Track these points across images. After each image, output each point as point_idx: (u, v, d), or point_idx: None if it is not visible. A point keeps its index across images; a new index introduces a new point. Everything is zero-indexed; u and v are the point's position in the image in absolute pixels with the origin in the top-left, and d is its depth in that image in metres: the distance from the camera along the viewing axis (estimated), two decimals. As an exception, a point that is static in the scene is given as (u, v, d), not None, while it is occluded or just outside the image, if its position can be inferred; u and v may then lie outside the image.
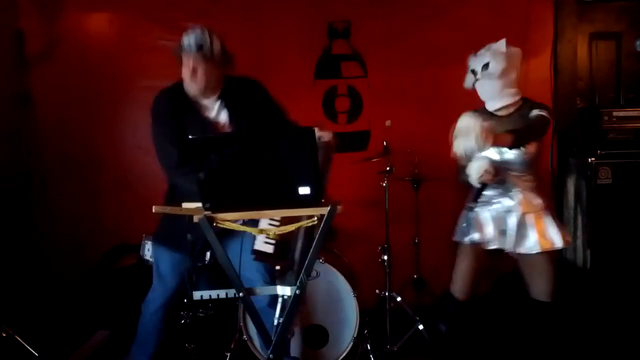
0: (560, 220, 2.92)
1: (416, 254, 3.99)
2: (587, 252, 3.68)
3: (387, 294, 3.61)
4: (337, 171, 4.05)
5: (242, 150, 2.21)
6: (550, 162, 4.29)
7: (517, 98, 2.92)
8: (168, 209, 2.22)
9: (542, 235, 2.87)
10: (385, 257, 3.65)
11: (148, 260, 3.53)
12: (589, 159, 3.65)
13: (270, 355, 2.32)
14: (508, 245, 2.90)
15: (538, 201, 2.92)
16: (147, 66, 4.16)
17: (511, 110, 2.94)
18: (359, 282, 3.71)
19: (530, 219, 2.90)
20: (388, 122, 3.65)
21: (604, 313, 3.39)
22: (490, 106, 2.97)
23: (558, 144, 4.30)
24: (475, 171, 2.80)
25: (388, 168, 3.61)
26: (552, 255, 2.94)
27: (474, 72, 2.96)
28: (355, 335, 3.39)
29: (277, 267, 2.73)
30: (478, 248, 2.98)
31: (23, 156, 4.15)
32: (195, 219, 2.18)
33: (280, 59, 4.26)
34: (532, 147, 2.87)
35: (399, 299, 3.67)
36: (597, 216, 3.62)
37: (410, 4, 4.32)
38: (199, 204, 2.23)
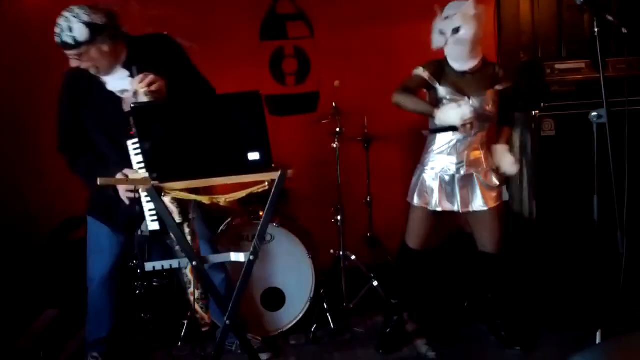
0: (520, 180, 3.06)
1: (369, 213, 4.04)
2: (533, 203, 3.79)
3: (341, 253, 3.65)
4: (287, 134, 4.07)
5: (188, 118, 2.17)
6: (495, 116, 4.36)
7: (481, 57, 3.00)
8: (113, 180, 2.17)
9: (487, 193, 3.04)
10: (339, 217, 3.68)
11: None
12: (533, 112, 3.72)
13: (227, 321, 2.34)
14: (457, 207, 3.04)
15: (484, 160, 3.06)
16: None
17: (477, 67, 3.01)
18: (314, 243, 3.74)
19: (476, 178, 3.04)
20: (337, 83, 3.63)
21: (550, 261, 3.52)
22: (458, 67, 3.00)
23: (502, 97, 4.36)
24: (459, 117, 2.78)
25: (338, 129, 3.61)
26: (499, 209, 3.08)
27: (442, 33, 2.94)
28: (311, 296, 3.44)
29: None
30: (428, 209, 3.08)
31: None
32: (143, 189, 2.14)
33: (224, 20, 4.16)
34: (494, 107, 3.04)
35: (353, 257, 3.72)
36: (542, 168, 3.71)
37: (356, -40, 4.26)
38: (145, 174, 2.19)
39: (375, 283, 3.65)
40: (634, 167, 2.59)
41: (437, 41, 2.97)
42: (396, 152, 4.17)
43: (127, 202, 2.52)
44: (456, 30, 2.88)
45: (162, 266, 2.37)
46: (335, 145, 3.63)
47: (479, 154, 3.07)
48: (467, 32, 2.86)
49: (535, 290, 3.46)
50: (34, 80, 3.99)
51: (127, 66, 2.59)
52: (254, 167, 2.18)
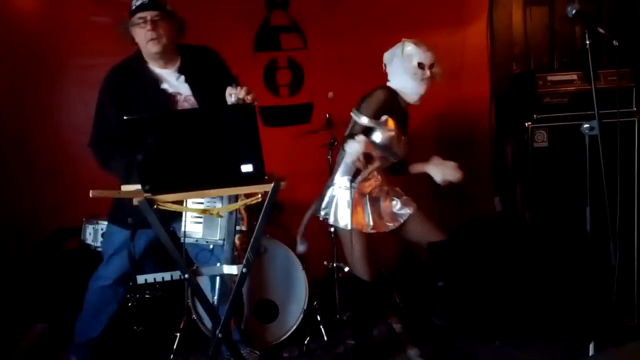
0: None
1: (362, 224, 4.02)
2: (526, 214, 3.80)
3: (335, 265, 3.64)
4: (281, 145, 4.06)
5: (181, 129, 2.17)
6: (488, 127, 4.39)
7: None
8: (106, 193, 2.16)
9: (403, 200, 3.10)
10: (332, 229, 3.66)
11: (90, 245, 3.45)
12: (526, 123, 3.73)
13: (219, 335, 2.32)
14: (390, 226, 3.05)
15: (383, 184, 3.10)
16: (79, 44, 4.01)
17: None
18: (308, 255, 3.72)
19: (389, 196, 3.09)
20: (330, 94, 3.63)
21: (543, 272, 3.52)
22: (413, 101, 3.05)
23: (495, 108, 4.39)
24: (352, 153, 2.74)
25: (332, 140, 3.61)
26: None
27: (421, 65, 2.95)
28: (305, 308, 3.42)
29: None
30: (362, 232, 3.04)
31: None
32: (135, 201, 2.13)
33: (218, 31, 4.15)
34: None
35: (346, 269, 3.70)
36: (534, 179, 3.73)
37: (348, -26, 4.28)
38: (139, 186, 2.18)
39: (369, 294, 3.64)
40: (626, 179, 2.61)
41: (411, 71, 2.95)
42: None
43: None
44: (431, 66, 2.96)
45: (154, 279, 2.35)
46: (328, 157, 3.62)
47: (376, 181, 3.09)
48: (439, 70, 2.99)
49: (528, 301, 3.46)
50: (26, 86, 3.99)
51: (180, 71, 2.74)
52: (247, 179, 2.17)
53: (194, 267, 2.48)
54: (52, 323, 3.47)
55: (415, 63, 2.95)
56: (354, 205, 2.96)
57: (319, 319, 3.52)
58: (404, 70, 2.97)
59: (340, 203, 3.03)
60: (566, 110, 3.71)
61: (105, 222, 3.13)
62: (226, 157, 2.17)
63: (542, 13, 4.43)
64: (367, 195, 3.03)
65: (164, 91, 2.73)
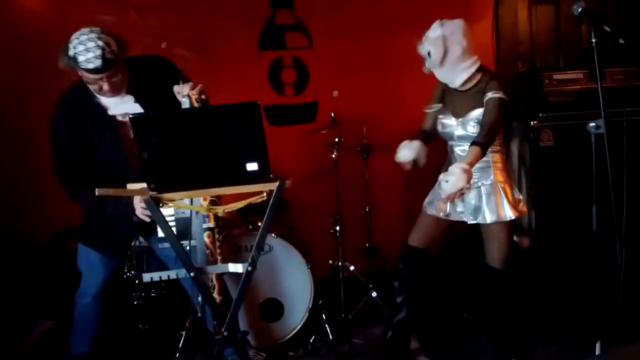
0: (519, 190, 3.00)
1: (367, 223, 4.03)
2: (532, 213, 3.79)
3: (340, 263, 3.65)
4: (286, 144, 4.07)
5: (186, 128, 2.17)
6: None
7: (474, 69, 2.85)
8: (111, 191, 2.16)
9: (494, 208, 2.90)
10: (338, 228, 3.67)
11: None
12: (531, 122, 3.73)
13: (225, 332, 2.32)
14: (464, 218, 2.98)
15: (491, 174, 2.94)
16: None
17: (472, 83, 2.90)
18: (313, 253, 3.73)
19: (485, 190, 2.93)
20: (335, 93, 3.64)
21: (549, 271, 3.51)
22: (452, 85, 2.94)
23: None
24: (451, 187, 2.66)
25: (337, 139, 3.61)
26: (507, 225, 2.95)
27: (423, 57, 2.93)
28: (310, 307, 3.42)
29: None
30: (435, 219, 3.06)
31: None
32: (141, 200, 2.14)
33: (223, 30, 4.16)
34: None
35: (352, 268, 3.71)
36: (540, 178, 3.72)
37: (353, -28, 4.28)
38: (144, 185, 2.19)
39: (374, 294, 3.64)
40: (633, 178, 2.59)
41: (426, 66, 2.94)
42: (394, 162, 4.16)
43: (145, 219, 2.52)
44: (429, 55, 2.86)
45: (160, 277, 2.35)
46: (333, 156, 3.63)
47: (485, 166, 2.96)
48: (435, 53, 2.81)
49: (534, 301, 3.45)
50: (30, 86, 3.98)
51: (129, 90, 2.62)
52: (253, 178, 2.17)
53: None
54: (58, 320, 3.49)
55: (426, 52, 2.90)
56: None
57: (324, 317, 3.52)
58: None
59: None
60: (572, 109, 3.70)
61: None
62: (231, 155, 2.17)
63: (547, 11, 4.42)
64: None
65: (112, 118, 2.65)
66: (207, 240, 2.44)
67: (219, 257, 2.44)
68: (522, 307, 3.45)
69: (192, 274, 2.26)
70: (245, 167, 2.15)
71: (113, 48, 2.44)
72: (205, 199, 2.35)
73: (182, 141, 2.14)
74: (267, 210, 2.25)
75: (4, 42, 3.94)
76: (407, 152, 2.95)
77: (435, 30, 2.83)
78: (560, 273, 3.50)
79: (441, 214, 3.04)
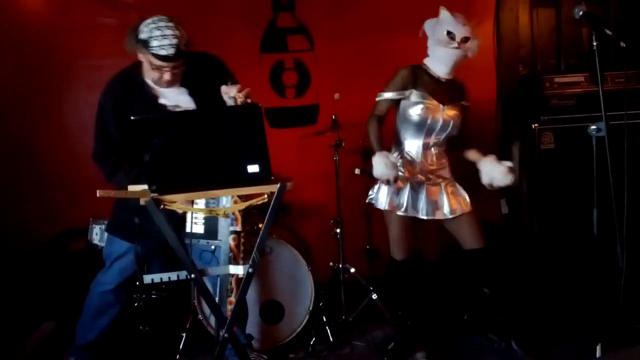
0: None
1: (368, 225, 4.03)
2: (533, 216, 3.79)
3: (340, 266, 3.64)
4: (287, 146, 4.07)
5: (188, 130, 2.17)
6: (495, 129, 4.38)
7: None
8: (112, 193, 2.17)
9: (455, 201, 3.13)
10: (338, 230, 3.67)
11: (97, 245, 3.45)
12: (532, 125, 3.73)
13: (225, 335, 2.32)
14: (422, 214, 3.11)
15: (446, 173, 3.18)
16: (86, 46, 4.02)
17: (450, 79, 3.13)
18: (313, 255, 3.73)
19: (441, 188, 3.14)
20: (336, 95, 3.64)
21: (550, 274, 3.51)
22: (442, 72, 3.10)
23: (502, 110, 4.38)
24: (378, 172, 2.93)
25: (338, 141, 3.61)
26: (473, 210, 3.16)
27: (450, 34, 2.98)
28: (310, 309, 3.42)
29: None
30: (402, 215, 3.13)
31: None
32: (142, 202, 2.14)
33: (224, 33, 4.17)
34: (461, 122, 3.15)
35: (352, 270, 3.70)
36: (541, 181, 3.72)
37: (354, -25, 4.28)
38: (145, 186, 2.19)
39: (375, 296, 3.63)
40: (634, 181, 2.60)
41: (440, 37, 3.00)
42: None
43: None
44: (465, 40, 2.98)
45: (161, 279, 2.35)
46: (335, 158, 3.63)
47: (445, 163, 3.19)
48: (473, 46, 3.01)
49: (535, 303, 3.45)
50: (30, 86, 3.99)
51: (183, 83, 2.66)
52: (254, 180, 2.17)
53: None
54: (60, 321, 3.49)
55: (444, 31, 2.99)
56: (397, 186, 3.08)
57: (324, 320, 3.52)
58: (433, 35, 3.04)
59: (382, 186, 3.15)
60: (573, 112, 3.70)
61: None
62: (232, 157, 2.17)
63: (548, 15, 4.43)
64: (409, 179, 3.11)
65: (163, 106, 2.68)
66: (232, 243, 2.45)
67: (241, 261, 2.45)
68: (525, 303, 3.46)
69: (193, 275, 2.26)
70: (246, 169, 2.16)
71: (185, 41, 2.50)
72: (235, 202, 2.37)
73: (183, 143, 2.15)
74: (268, 212, 2.25)
75: (4, 42, 3.95)
76: (388, 170, 2.95)
77: (466, 21, 3.02)
78: (561, 276, 3.50)
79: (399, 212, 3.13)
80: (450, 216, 3.11)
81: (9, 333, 3.34)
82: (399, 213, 3.11)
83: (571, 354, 3.15)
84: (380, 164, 2.92)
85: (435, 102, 3.05)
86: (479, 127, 4.36)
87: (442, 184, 3.15)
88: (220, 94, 2.55)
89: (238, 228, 2.46)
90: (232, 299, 2.50)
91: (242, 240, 2.47)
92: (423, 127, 3.06)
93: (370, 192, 3.27)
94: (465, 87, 3.21)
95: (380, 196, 3.17)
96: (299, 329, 3.42)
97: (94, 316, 2.98)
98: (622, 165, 2.50)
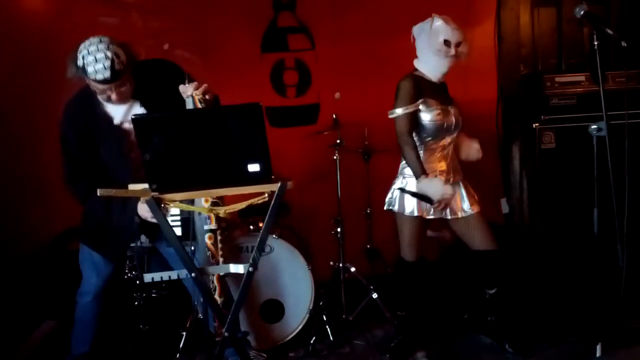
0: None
1: (368, 225, 4.03)
2: (534, 215, 3.79)
3: (341, 265, 3.65)
4: (288, 145, 4.08)
5: (188, 129, 2.17)
6: (495, 128, 4.38)
7: None
8: (113, 192, 2.17)
9: (470, 197, 3.15)
10: (339, 229, 3.67)
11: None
12: (533, 125, 3.73)
13: (225, 333, 2.32)
14: (446, 214, 3.10)
15: (459, 168, 3.19)
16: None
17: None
18: (314, 255, 3.73)
19: (458, 185, 3.14)
20: (337, 95, 3.64)
21: (550, 273, 3.51)
22: (436, 78, 3.10)
23: (503, 110, 4.38)
24: (439, 194, 2.95)
25: (338, 141, 3.62)
26: (481, 211, 3.17)
27: (447, 42, 2.98)
28: (311, 308, 3.42)
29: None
30: (417, 217, 3.10)
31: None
32: (143, 200, 2.14)
33: (225, 33, 4.17)
34: None
35: (353, 269, 3.70)
36: (542, 180, 3.72)
37: (355, -25, 4.28)
38: (145, 185, 2.19)
39: (375, 295, 3.63)
40: (634, 180, 2.60)
41: (437, 47, 2.98)
42: (396, 164, 4.15)
43: (153, 220, 2.51)
44: (458, 44, 2.98)
45: (161, 277, 2.35)
46: (335, 157, 3.63)
47: (457, 161, 3.21)
48: (465, 49, 3.02)
49: (535, 302, 3.45)
50: (30, 87, 3.99)
51: (135, 96, 2.63)
52: (254, 179, 2.17)
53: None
54: (60, 320, 3.49)
55: (441, 39, 2.98)
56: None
57: (325, 319, 3.52)
58: (430, 45, 3.01)
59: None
60: (574, 112, 3.70)
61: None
62: (233, 156, 2.17)
63: (549, 14, 4.43)
64: None
65: (118, 127, 2.67)
66: (208, 241, 2.44)
67: (221, 259, 2.45)
68: (522, 303, 3.46)
69: (193, 274, 2.26)
70: (247, 168, 2.16)
71: (122, 59, 2.45)
72: (207, 200, 2.36)
73: (184, 142, 2.14)
74: (269, 211, 2.25)
75: (4, 42, 3.95)
76: (445, 190, 2.98)
77: (457, 26, 3.01)
78: (562, 275, 3.50)
79: (419, 212, 3.11)
80: (469, 212, 3.10)
81: (9, 333, 3.34)
82: (428, 217, 3.09)
83: (571, 354, 3.15)
84: (437, 186, 2.95)
85: (443, 106, 3.06)
86: (479, 127, 4.37)
87: (460, 182, 3.16)
88: (177, 98, 2.51)
89: (213, 226, 2.44)
90: (217, 296, 2.49)
91: (220, 237, 2.46)
92: (441, 131, 3.06)
93: (388, 199, 3.23)
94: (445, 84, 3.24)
95: (406, 203, 3.11)
96: (299, 328, 3.43)
97: (83, 328, 2.99)
98: (622, 165, 2.50)
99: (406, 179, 3.13)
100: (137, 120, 2.13)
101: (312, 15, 4.28)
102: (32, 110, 4.03)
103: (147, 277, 2.36)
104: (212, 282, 2.52)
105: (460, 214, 3.11)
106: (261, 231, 2.32)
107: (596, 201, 2.58)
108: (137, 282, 3.53)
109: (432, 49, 3.00)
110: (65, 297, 3.51)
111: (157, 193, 2.15)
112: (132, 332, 3.48)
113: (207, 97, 2.43)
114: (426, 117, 3.04)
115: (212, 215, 2.41)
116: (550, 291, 3.47)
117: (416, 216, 3.08)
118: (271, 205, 2.23)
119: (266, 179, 2.18)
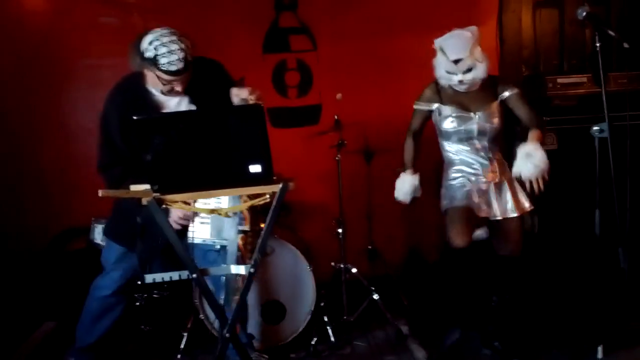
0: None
1: (369, 226, 4.03)
2: (535, 217, 3.78)
3: (342, 266, 3.64)
4: (289, 146, 4.08)
5: (190, 130, 2.17)
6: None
7: None
8: (114, 192, 2.16)
9: (515, 200, 3.04)
10: (340, 230, 3.67)
11: (98, 244, 3.46)
12: (535, 126, 3.72)
13: (226, 334, 2.32)
14: (494, 214, 3.02)
15: (506, 169, 3.07)
16: (88, 45, 4.03)
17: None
18: (315, 255, 3.73)
19: (504, 186, 3.06)
20: (339, 96, 3.63)
21: (551, 275, 3.50)
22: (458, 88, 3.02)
23: (504, 111, 4.36)
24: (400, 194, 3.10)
25: (340, 141, 3.61)
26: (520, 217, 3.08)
27: (450, 73, 2.92)
28: (312, 309, 3.42)
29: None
30: (468, 209, 3.01)
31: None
32: (144, 201, 2.14)
33: (227, 33, 4.17)
34: (499, 120, 3.06)
35: (354, 270, 3.70)
36: (543, 181, 3.71)
37: (357, -25, 4.28)
38: (147, 186, 2.19)
39: (376, 296, 3.63)
40: (636, 181, 2.60)
41: (444, 78, 2.95)
42: (397, 165, 4.16)
43: (177, 227, 2.53)
44: (468, 71, 2.90)
45: (163, 278, 2.35)
46: (336, 158, 3.63)
47: (498, 162, 3.11)
48: (478, 74, 2.91)
49: (536, 304, 3.44)
50: (30, 86, 3.99)
51: (186, 91, 2.64)
52: (256, 180, 2.17)
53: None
54: (60, 321, 3.49)
55: (443, 72, 2.95)
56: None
57: (326, 320, 3.52)
58: (438, 72, 3.00)
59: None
60: (575, 113, 3.70)
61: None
62: (234, 157, 2.17)
63: (551, 15, 4.43)
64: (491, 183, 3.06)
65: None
66: (240, 242, 2.45)
67: (250, 262, 2.43)
68: (523, 305, 3.44)
69: (194, 275, 2.26)
70: (248, 169, 2.16)
71: (191, 50, 2.48)
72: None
73: (186, 143, 2.15)
74: (270, 212, 2.25)
75: (4, 42, 3.95)
76: (408, 189, 3.08)
77: (478, 52, 2.90)
78: (563, 277, 3.49)
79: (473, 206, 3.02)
80: (512, 215, 3.03)
81: (9, 333, 3.34)
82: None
83: (572, 355, 3.14)
84: (402, 185, 3.09)
85: (464, 113, 3.00)
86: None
87: (506, 182, 3.07)
88: (220, 98, 2.54)
89: (247, 227, 2.45)
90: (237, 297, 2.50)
91: (250, 239, 2.47)
92: (461, 136, 3.03)
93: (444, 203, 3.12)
94: (498, 80, 3.12)
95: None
96: (300, 329, 3.42)
97: (93, 320, 2.97)
98: (624, 166, 2.50)
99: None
100: (137, 121, 2.13)
101: (314, 15, 4.28)
102: (32, 110, 4.04)
103: (149, 278, 2.35)
104: (238, 282, 2.51)
105: (506, 214, 3.03)
106: (262, 232, 2.31)
107: (598, 202, 2.57)
108: (138, 282, 3.53)
109: (442, 76, 2.98)
110: (65, 297, 3.52)
111: (158, 194, 2.15)
112: (133, 332, 3.47)
113: (260, 102, 2.43)
114: (441, 123, 3.05)
115: (247, 216, 2.42)
116: (552, 292, 3.46)
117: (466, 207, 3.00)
118: (272, 205, 2.23)
119: (268, 179, 2.18)
